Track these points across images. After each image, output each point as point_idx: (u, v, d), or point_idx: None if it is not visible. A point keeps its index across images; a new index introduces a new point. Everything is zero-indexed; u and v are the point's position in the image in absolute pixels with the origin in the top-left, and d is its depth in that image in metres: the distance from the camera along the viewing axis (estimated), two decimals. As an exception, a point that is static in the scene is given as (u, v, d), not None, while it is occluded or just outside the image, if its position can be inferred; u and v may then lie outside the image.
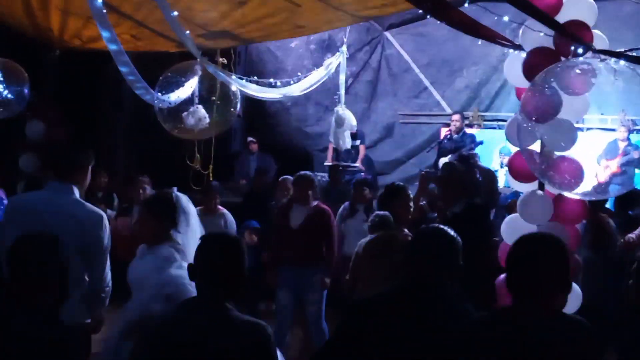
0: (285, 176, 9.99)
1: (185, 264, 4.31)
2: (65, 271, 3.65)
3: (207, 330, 3.48)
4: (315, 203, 8.31)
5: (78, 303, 5.15)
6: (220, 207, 9.30)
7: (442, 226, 4.08)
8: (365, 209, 9.36)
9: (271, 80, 11.37)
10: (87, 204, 5.42)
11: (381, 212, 7.06)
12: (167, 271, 4.83)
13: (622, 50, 6.24)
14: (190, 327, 3.50)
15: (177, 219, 5.24)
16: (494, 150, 13.22)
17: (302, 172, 8.41)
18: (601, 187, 6.18)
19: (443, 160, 11.96)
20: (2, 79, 9.80)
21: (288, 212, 8.28)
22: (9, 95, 10.01)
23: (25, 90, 10.21)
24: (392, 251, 6.48)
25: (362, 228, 8.25)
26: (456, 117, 12.90)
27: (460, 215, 6.72)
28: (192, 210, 5.41)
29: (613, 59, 5.74)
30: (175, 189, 5.52)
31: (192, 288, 3.85)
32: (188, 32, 8.50)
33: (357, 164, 13.51)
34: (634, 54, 6.28)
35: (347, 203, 9.79)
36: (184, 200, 5.37)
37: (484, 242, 6.58)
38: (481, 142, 12.44)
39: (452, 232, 3.98)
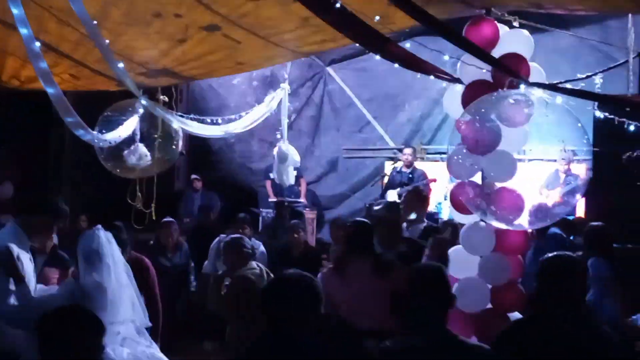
0: (242, 214, 9.87)
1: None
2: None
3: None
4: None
5: None
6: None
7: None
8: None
9: (212, 117, 11.32)
10: None
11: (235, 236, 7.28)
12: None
13: (557, 82, 6.35)
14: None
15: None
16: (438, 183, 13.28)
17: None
18: (540, 215, 6.22)
19: (391, 192, 12.08)
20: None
21: None
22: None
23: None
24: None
25: None
26: (408, 150, 13.04)
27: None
28: (107, 249, 5.47)
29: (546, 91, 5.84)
30: (99, 226, 5.51)
31: None
32: (122, 65, 8.40)
33: (302, 199, 13.50)
34: (569, 85, 6.40)
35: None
36: (94, 239, 5.45)
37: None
38: (434, 180, 12.50)
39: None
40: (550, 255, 4.42)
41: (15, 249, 5.38)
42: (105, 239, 5.42)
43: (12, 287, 5.28)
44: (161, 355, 5.39)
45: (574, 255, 4.52)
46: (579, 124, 5.83)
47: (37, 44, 7.58)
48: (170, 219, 9.99)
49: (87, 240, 5.40)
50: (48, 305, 5.20)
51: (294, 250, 9.49)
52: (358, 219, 7.24)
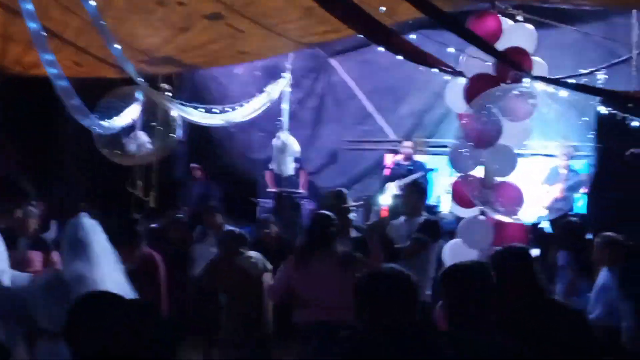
0: (213, 202, 9.72)
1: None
2: None
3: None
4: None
5: None
6: None
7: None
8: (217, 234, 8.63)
9: (212, 106, 11.28)
10: None
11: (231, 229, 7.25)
12: None
13: (560, 77, 6.33)
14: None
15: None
16: (439, 177, 13.25)
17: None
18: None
19: (391, 185, 12.10)
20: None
21: None
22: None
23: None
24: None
25: (211, 252, 8.02)
26: (408, 143, 13.01)
27: None
28: (92, 237, 5.22)
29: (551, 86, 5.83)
30: (83, 214, 5.35)
31: None
32: (119, 47, 8.35)
33: (301, 189, 13.47)
34: (573, 80, 6.38)
35: (200, 227, 9.35)
36: (79, 227, 5.20)
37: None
38: (432, 169, 12.51)
39: None
40: (447, 268, 4.28)
41: None
42: (91, 226, 5.27)
43: None
44: None
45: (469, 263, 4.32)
46: (582, 119, 5.83)
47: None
48: (179, 216, 9.71)
49: (72, 228, 5.15)
50: (23, 296, 5.05)
51: (267, 245, 9.07)
52: (319, 211, 7.17)
